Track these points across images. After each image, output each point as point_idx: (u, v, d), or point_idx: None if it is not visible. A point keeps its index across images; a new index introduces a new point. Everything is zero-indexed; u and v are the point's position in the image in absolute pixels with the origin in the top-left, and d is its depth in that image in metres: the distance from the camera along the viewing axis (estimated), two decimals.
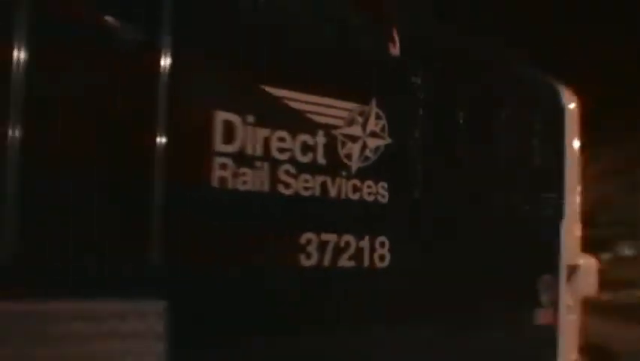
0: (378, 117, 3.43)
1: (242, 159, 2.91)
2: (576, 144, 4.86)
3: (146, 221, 2.63)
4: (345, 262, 3.25)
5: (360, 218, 3.34)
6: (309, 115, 3.16)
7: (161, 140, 2.68)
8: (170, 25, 2.74)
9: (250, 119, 2.94)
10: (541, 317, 4.42)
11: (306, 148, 3.13)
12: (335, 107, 3.26)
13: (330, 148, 3.21)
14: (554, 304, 4.55)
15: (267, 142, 2.99)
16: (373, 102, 3.41)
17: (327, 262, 3.17)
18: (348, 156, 3.29)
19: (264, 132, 2.98)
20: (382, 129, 3.43)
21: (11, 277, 2.33)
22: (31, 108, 2.39)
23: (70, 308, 2.47)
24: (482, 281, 3.91)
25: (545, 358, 4.50)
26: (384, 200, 3.42)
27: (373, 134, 3.41)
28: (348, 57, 3.41)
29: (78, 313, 2.48)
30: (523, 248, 4.26)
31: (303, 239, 3.11)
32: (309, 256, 3.12)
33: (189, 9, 2.82)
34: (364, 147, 3.36)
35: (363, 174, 3.34)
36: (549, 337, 4.51)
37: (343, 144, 3.27)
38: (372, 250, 3.37)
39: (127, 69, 2.63)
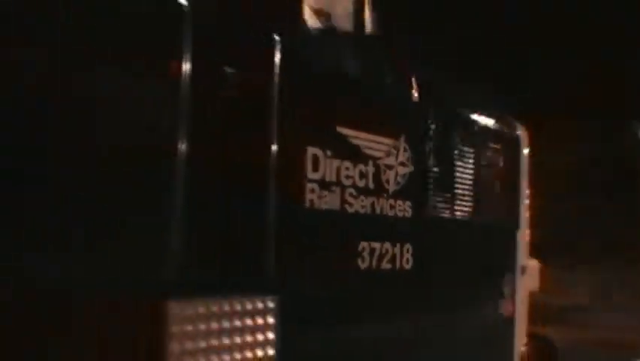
0: (405, 150, 4.42)
1: (323, 184, 3.79)
2: (525, 169, 6.18)
3: (263, 237, 3.44)
4: (385, 264, 4.21)
5: (395, 229, 4.31)
6: (363, 149, 4.09)
7: (274, 170, 3.50)
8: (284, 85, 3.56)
9: (328, 153, 3.83)
10: (504, 306, 5.72)
11: (361, 175, 4.06)
12: (378, 143, 4.21)
13: (376, 175, 4.17)
14: (513, 297, 5.88)
15: (338, 171, 3.88)
16: (402, 138, 4.39)
17: (374, 264, 4.12)
18: (387, 181, 4.25)
19: (336, 163, 3.87)
20: (408, 159, 4.43)
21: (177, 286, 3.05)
22: (198, 142, 3.13)
23: (221, 307, 3.23)
24: (465, 276, 5.15)
25: (507, 338, 5.84)
26: (409, 215, 4.43)
27: (402, 164, 4.39)
28: (388, 104, 4.43)
29: (222, 311, 3.21)
30: (494, 252, 5.65)
31: (360, 247, 4.04)
32: (363, 260, 4.05)
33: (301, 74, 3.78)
34: (397, 173, 4.33)
35: (396, 195, 4.32)
36: (509, 322, 5.83)
37: (384, 171, 4.22)
38: (402, 255, 4.36)
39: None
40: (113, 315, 2.80)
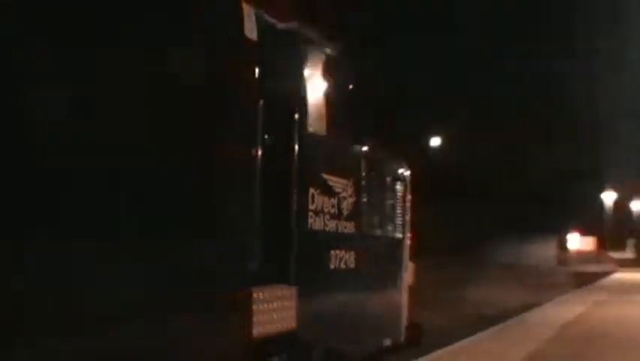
0: (351, 187, 7.10)
1: (316, 212, 6.39)
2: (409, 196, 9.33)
3: (291, 247, 6.03)
4: (343, 264, 6.97)
5: (346, 241, 6.97)
6: (333, 188, 6.74)
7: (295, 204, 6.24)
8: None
9: (318, 191, 6.45)
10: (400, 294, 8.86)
11: (332, 205, 6.68)
12: (340, 183, 6.88)
13: (338, 205, 6.81)
14: (405, 287, 8.99)
15: (322, 203, 6.48)
16: (351, 179, 7.15)
17: (340, 264, 6.89)
18: (342, 209, 6.88)
19: (322, 198, 6.47)
20: (352, 193, 7.10)
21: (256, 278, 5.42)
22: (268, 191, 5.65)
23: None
24: (382, 271, 8.22)
25: (400, 316, 8.74)
26: (353, 231, 7.15)
27: (350, 197, 7.04)
28: (346, 157, 7.39)
29: (274, 294, 5.63)
30: (395, 255, 8.90)
31: (333, 252, 6.80)
32: (335, 260, 6.82)
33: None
34: (347, 203, 6.97)
35: (347, 218, 6.97)
36: (401, 306, 8.83)
37: (341, 202, 6.86)
38: (350, 257, 7.11)
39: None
40: (224, 296, 5.03)
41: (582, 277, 39.52)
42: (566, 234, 69.94)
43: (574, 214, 68.89)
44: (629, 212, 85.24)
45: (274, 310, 5.58)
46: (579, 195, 73.55)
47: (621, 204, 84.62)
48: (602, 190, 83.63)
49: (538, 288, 28.55)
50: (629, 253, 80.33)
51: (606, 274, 45.52)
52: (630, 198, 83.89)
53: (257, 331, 5.35)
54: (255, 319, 5.31)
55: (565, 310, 17.00)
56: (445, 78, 50.54)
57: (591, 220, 76.59)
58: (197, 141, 4.76)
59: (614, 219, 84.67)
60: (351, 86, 7.42)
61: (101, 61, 3.95)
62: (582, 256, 64.63)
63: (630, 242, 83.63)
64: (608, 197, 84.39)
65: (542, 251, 65.13)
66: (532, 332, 12.58)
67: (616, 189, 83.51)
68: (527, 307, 19.15)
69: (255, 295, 5.30)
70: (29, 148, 3.50)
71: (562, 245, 69.04)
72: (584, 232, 74.23)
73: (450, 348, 10.66)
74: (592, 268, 55.78)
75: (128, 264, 4.07)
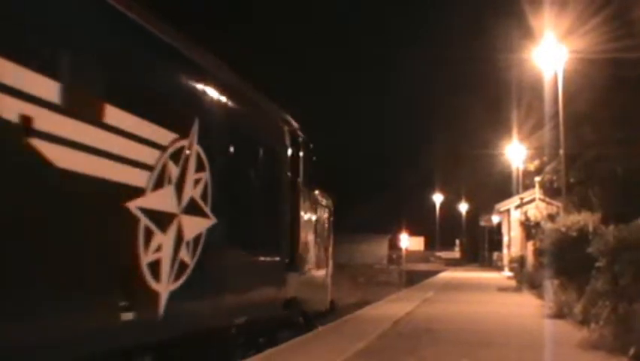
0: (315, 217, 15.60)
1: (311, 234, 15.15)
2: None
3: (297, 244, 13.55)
4: (314, 261, 15.35)
5: (315, 248, 15.41)
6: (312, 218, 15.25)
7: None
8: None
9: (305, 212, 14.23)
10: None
11: (314, 228, 15.62)
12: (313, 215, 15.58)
13: (316, 227, 15.61)
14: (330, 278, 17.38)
15: (313, 230, 15.33)
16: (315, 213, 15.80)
17: (313, 261, 15.38)
18: (315, 229, 15.56)
19: (311, 226, 15.22)
20: (317, 221, 15.71)
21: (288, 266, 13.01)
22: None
23: None
24: (323, 266, 16.61)
25: (328, 295, 17.22)
26: (314, 241, 15.28)
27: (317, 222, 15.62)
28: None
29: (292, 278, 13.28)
30: (327, 257, 17.19)
31: (313, 256, 15.23)
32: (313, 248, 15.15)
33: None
34: (317, 226, 15.67)
35: (316, 234, 15.54)
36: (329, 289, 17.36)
37: (316, 225, 15.62)
38: (315, 257, 15.25)
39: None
40: (279, 277, 12.47)
41: (412, 275, 41.38)
42: (397, 233, 72.45)
43: (404, 215, 71.57)
44: (457, 213, 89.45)
45: (291, 285, 12.95)
46: (410, 196, 76.72)
47: (449, 206, 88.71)
48: (432, 192, 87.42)
49: (372, 286, 29.76)
50: (455, 253, 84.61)
51: (434, 273, 47.74)
52: (457, 200, 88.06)
53: (287, 293, 12.80)
54: (287, 286, 12.76)
55: (397, 307, 17.93)
56: None
57: (421, 221, 79.76)
58: (273, 205, 12.16)
59: (443, 220, 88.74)
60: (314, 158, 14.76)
61: (242, 179, 10.68)
62: (412, 256, 67.38)
63: (457, 243, 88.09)
64: (438, 199, 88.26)
65: (375, 250, 67.31)
66: (366, 328, 13.26)
67: (444, 192, 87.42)
68: (361, 304, 20.07)
69: (286, 276, 12.72)
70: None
71: (393, 245, 71.64)
72: (414, 232, 77.29)
73: (290, 343, 11.16)
74: (421, 267, 58.41)
75: (250, 264, 10.97)
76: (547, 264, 18.69)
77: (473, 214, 77.82)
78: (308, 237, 14.38)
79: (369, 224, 66.67)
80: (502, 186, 49.24)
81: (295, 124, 13.44)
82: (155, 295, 7.64)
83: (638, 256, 10.58)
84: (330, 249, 16.99)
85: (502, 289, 26.73)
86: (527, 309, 17.73)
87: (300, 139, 13.72)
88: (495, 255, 57.93)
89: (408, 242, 71.40)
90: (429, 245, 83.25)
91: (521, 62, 27.97)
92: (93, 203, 6.55)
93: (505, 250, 47.17)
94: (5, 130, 5.38)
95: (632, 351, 9.42)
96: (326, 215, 16.60)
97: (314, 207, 15.07)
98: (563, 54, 22.24)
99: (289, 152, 13.05)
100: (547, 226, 20.37)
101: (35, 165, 5.73)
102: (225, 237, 9.57)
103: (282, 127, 12.83)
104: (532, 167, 35.76)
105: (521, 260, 28.84)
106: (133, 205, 7.17)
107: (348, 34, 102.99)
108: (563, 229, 17.05)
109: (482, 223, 64.54)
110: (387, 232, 72.99)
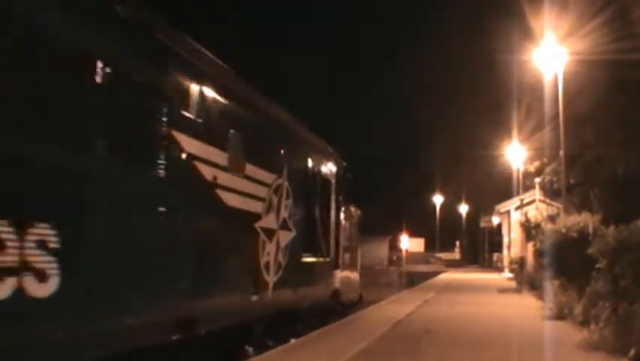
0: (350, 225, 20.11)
1: (346, 239, 19.26)
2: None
3: (338, 254, 17.73)
4: (349, 260, 19.71)
5: (351, 250, 19.97)
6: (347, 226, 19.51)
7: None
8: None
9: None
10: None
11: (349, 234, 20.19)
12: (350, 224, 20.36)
13: (350, 234, 20.37)
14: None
15: (348, 235, 19.74)
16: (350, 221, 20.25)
17: (349, 261, 19.62)
18: (349, 235, 20.01)
19: (347, 233, 19.59)
20: (351, 227, 20.44)
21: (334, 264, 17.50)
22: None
23: None
24: (354, 264, 20.77)
25: (358, 287, 21.30)
26: (349, 245, 19.96)
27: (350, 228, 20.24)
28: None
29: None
30: (357, 257, 21.28)
31: (348, 256, 19.51)
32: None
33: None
34: (351, 233, 20.46)
35: (349, 239, 19.80)
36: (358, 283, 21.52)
37: (350, 231, 20.26)
38: (350, 258, 19.81)
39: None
40: (330, 273, 16.86)
41: (412, 277, 41.36)
42: (397, 235, 72.43)
43: (405, 216, 71.50)
44: (457, 215, 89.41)
45: (335, 280, 17.09)
46: (410, 197, 76.67)
47: (449, 207, 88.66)
48: (432, 193, 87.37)
49: (373, 287, 29.73)
50: (456, 254, 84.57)
51: (434, 274, 47.72)
52: (458, 202, 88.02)
53: (332, 286, 17.00)
54: (333, 280, 16.99)
55: (397, 308, 17.94)
56: None
57: (421, 222, 79.68)
58: (326, 219, 16.11)
59: (443, 221, 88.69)
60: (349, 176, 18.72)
61: (309, 202, 14.78)
62: (412, 257, 67.35)
63: (457, 244, 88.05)
64: (438, 200, 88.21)
65: (376, 252, 67.32)
66: (367, 329, 13.28)
67: (444, 193, 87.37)
68: (363, 305, 20.07)
69: (332, 273, 16.83)
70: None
71: (393, 246, 71.61)
72: (414, 233, 77.26)
73: (290, 344, 11.18)
74: (421, 268, 58.40)
75: (312, 264, 14.96)
76: (547, 265, 18.70)
77: (473, 215, 77.84)
78: (345, 242, 18.52)
79: (369, 225, 66.72)
80: (502, 188, 49.26)
81: (338, 155, 17.95)
82: (266, 285, 11.80)
83: (638, 257, 10.59)
84: (359, 251, 21.56)
85: (503, 290, 26.72)
86: (527, 310, 17.73)
87: (342, 167, 18.11)
88: (495, 256, 57.97)
89: (408, 243, 71.36)
90: (429, 246, 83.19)
91: (522, 63, 27.98)
92: (241, 225, 10.86)
93: (505, 251, 47.18)
94: (207, 184, 9.35)
95: (632, 352, 9.43)
96: (356, 224, 20.98)
97: (349, 218, 19.36)
98: (563, 55, 22.24)
99: (335, 178, 17.23)
100: (548, 227, 20.38)
101: (218, 203, 9.77)
102: (300, 244, 13.81)
103: (330, 160, 17.09)
104: (532, 168, 35.76)
105: (521, 261, 28.85)
106: (257, 225, 11.42)
107: (348, 34, 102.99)
108: (563, 230, 17.07)
109: (482, 224, 64.57)
110: (388, 234, 72.98)
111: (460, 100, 66.56)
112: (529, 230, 26.66)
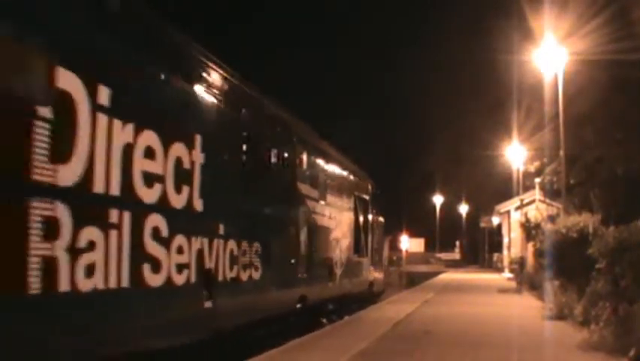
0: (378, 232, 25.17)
1: (377, 242, 24.56)
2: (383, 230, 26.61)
3: (372, 253, 23.01)
4: (379, 258, 25.41)
5: (379, 251, 25.58)
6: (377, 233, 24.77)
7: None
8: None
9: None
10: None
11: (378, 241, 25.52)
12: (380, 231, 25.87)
13: (379, 240, 25.85)
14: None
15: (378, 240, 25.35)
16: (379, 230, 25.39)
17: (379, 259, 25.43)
18: (378, 241, 25.24)
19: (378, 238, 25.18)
20: (378, 234, 25.36)
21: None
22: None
23: None
24: (380, 261, 25.69)
25: (383, 280, 26.19)
26: (378, 247, 25.30)
27: (377, 235, 24.94)
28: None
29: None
30: (383, 256, 26.79)
31: (378, 256, 25.07)
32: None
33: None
34: (378, 238, 25.30)
35: (377, 243, 25.05)
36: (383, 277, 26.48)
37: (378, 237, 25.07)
38: (379, 256, 25.47)
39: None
40: (366, 269, 21.60)
41: (412, 277, 41.37)
42: (397, 235, 72.38)
43: (404, 216, 71.46)
44: (457, 215, 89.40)
45: (370, 274, 22.21)
46: (410, 197, 76.65)
47: (449, 207, 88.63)
48: (432, 193, 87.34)
49: None
50: (456, 254, 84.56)
51: (434, 274, 47.72)
52: (458, 202, 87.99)
53: (369, 279, 22.14)
54: (369, 274, 22.05)
55: (397, 308, 17.95)
56: None
57: (421, 222, 79.63)
58: (365, 227, 20.98)
59: (443, 221, 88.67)
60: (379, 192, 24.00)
61: (358, 215, 20.06)
62: (412, 257, 67.35)
63: (457, 244, 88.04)
64: (438, 200, 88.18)
65: None
66: (366, 329, 13.28)
67: (444, 193, 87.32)
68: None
69: (369, 268, 21.91)
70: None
71: (393, 246, 71.55)
72: (414, 233, 77.19)
73: (291, 344, 11.17)
74: (421, 268, 58.40)
75: (358, 260, 20.13)
76: (547, 265, 18.70)
77: (473, 216, 77.85)
78: (376, 245, 23.38)
79: None
80: (502, 188, 49.28)
81: (371, 180, 23.33)
82: (335, 276, 16.76)
83: (638, 257, 10.58)
84: (383, 252, 26.79)
85: (503, 290, 26.73)
86: (527, 310, 17.73)
87: (374, 187, 23.36)
88: (495, 256, 57.96)
89: (408, 243, 71.27)
90: (429, 246, 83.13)
91: (522, 64, 27.97)
92: (325, 236, 15.85)
93: (505, 252, 47.19)
94: (310, 211, 14.30)
95: (632, 352, 9.43)
96: (381, 230, 25.60)
97: (378, 224, 24.34)
98: (563, 56, 22.24)
99: (370, 197, 22.25)
100: (548, 227, 20.37)
101: (314, 222, 14.72)
102: (351, 247, 18.95)
103: (366, 182, 22.35)
104: (532, 168, 35.75)
105: (521, 261, 28.86)
106: (331, 236, 16.45)
107: (348, 34, 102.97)
108: (563, 230, 17.06)
109: (482, 225, 64.58)
110: (387, 234, 72.87)
111: (460, 100, 66.45)
112: (529, 230, 26.67)
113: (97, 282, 6.31)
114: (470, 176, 69.40)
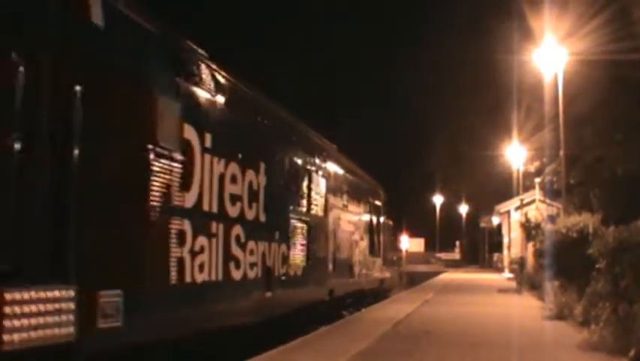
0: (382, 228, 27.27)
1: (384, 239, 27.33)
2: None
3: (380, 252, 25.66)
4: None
5: (387, 246, 28.91)
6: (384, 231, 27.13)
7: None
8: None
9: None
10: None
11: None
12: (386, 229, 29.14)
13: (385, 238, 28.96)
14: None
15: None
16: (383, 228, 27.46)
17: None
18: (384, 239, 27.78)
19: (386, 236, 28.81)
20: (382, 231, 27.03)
21: None
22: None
23: None
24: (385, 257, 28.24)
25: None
26: (386, 242, 28.87)
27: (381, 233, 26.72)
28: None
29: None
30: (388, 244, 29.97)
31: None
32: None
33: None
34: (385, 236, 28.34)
35: (382, 238, 27.01)
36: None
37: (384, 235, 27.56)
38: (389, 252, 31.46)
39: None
40: (379, 267, 25.03)
41: (412, 277, 41.42)
42: (397, 235, 72.36)
43: (405, 216, 71.43)
44: (457, 215, 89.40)
45: (382, 272, 25.44)
46: (410, 197, 76.62)
47: (449, 207, 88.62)
48: (432, 193, 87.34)
49: None
50: (456, 254, 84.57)
51: (434, 274, 47.73)
52: (458, 202, 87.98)
53: (381, 276, 25.22)
54: (381, 272, 25.25)
55: (397, 308, 17.95)
56: None
57: (421, 222, 79.60)
58: (378, 230, 23.98)
59: (443, 221, 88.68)
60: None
61: (373, 219, 23.27)
62: (412, 257, 67.35)
63: (457, 244, 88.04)
64: (438, 200, 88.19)
65: None
66: (367, 329, 13.29)
67: (444, 193, 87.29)
68: (364, 305, 20.12)
69: (381, 267, 25.22)
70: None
71: (393, 246, 71.55)
72: (414, 233, 77.15)
73: (291, 344, 11.17)
74: (422, 268, 58.43)
75: (373, 260, 23.09)
76: (547, 265, 18.71)
77: (473, 216, 77.85)
78: (386, 245, 26.91)
79: None
80: (502, 188, 49.30)
81: (382, 188, 26.25)
82: (354, 273, 19.44)
83: (638, 258, 10.59)
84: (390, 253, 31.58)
85: (503, 290, 26.74)
86: (527, 310, 17.74)
87: (384, 194, 26.35)
88: (495, 256, 57.98)
89: (408, 243, 71.29)
90: (429, 246, 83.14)
91: (522, 64, 28.00)
92: (347, 239, 18.34)
93: (505, 252, 47.20)
94: (336, 217, 16.86)
95: (632, 353, 9.43)
96: (390, 232, 30.21)
97: (388, 227, 28.28)
98: (563, 56, 22.26)
99: (381, 203, 25.30)
100: (548, 227, 20.38)
101: (339, 227, 17.25)
102: (367, 248, 21.84)
103: (378, 190, 25.17)
104: (532, 168, 35.78)
105: (521, 261, 28.88)
106: (352, 238, 19.17)
107: (348, 34, 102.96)
108: (563, 231, 17.07)
109: (482, 225, 64.59)
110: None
111: (460, 100, 66.37)
112: (529, 230, 26.69)
113: (205, 276, 8.67)
114: (470, 176, 69.37)
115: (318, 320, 14.72)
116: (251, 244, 10.23)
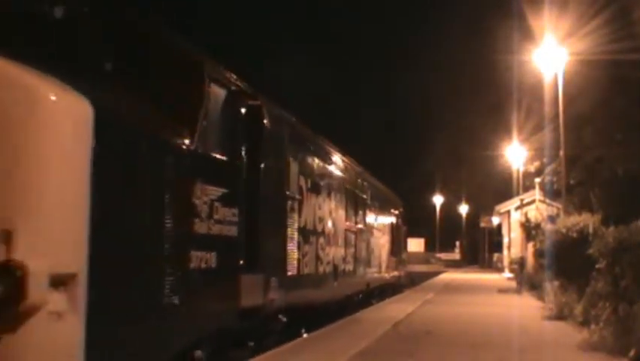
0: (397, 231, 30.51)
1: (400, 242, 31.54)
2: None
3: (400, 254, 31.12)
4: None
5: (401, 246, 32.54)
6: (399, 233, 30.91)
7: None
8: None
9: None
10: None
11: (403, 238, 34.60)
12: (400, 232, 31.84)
13: (401, 237, 32.64)
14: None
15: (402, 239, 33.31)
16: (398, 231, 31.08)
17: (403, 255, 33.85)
18: (398, 237, 30.73)
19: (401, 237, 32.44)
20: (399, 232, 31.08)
21: None
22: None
23: None
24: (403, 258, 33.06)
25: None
26: (401, 242, 32.31)
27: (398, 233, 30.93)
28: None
29: None
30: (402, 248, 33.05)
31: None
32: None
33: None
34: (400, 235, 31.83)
35: (399, 239, 31.25)
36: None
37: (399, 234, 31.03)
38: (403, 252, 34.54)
39: None
40: (394, 266, 27.91)
41: (413, 277, 41.40)
42: None
43: (405, 216, 71.26)
44: (457, 215, 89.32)
45: (400, 270, 29.85)
46: (410, 197, 76.58)
47: (449, 207, 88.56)
48: (432, 193, 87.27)
49: None
50: (456, 254, 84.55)
51: (434, 274, 47.75)
52: (458, 202, 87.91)
53: (399, 273, 29.17)
54: (399, 270, 29.22)
55: (398, 308, 17.95)
56: None
57: (421, 222, 79.51)
58: (399, 235, 29.34)
59: (443, 221, 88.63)
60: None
61: (394, 226, 28.23)
62: (412, 257, 67.31)
63: (457, 244, 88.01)
64: (438, 200, 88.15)
65: None
66: (367, 329, 13.29)
67: (444, 193, 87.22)
68: (364, 305, 20.10)
69: (400, 266, 29.52)
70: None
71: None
72: (414, 233, 77.04)
73: (291, 344, 11.18)
74: (422, 268, 58.40)
75: (394, 259, 27.26)
76: (547, 265, 18.72)
77: (473, 216, 77.77)
78: (403, 246, 31.74)
79: None
80: (502, 188, 49.29)
81: (400, 198, 31.23)
82: (381, 270, 23.65)
83: (638, 258, 10.60)
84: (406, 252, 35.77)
85: (503, 290, 26.74)
86: (527, 311, 17.74)
87: (402, 203, 31.15)
88: (495, 256, 57.95)
89: (408, 243, 71.28)
90: (429, 246, 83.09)
91: (522, 64, 28.00)
92: (377, 243, 22.78)
93: (505, 252, 47.21)
94: (370, 226, 21.34)
95: (632, 353, 9.44)
96: (405, 235, 33.97)
97: (404, 232, 32.21)
98: (563, 56, 22.26)
99: (398, 210, 29.28)
100: (548, 227, 20.39)
101: (371, 234, 21.63)
102: (390, 249, 25.62)
103: (397, 199, 30.00)
104: (532, 168, 35.78)
105: (521, 261, 28.89)
106: (380, 242, 23.46)
107: (347, 34, 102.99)
108: (563, 231, 17.08)
109: (482, 225, 64.57)
110: None
111: (460, 100, 66.36)
112: (529, 230, 26.69)
113: (309, 270, 12.94)
114: (470, 176, 69.39)
115: (352, 309, 17.91)
116: (327, 249, 14.50)
